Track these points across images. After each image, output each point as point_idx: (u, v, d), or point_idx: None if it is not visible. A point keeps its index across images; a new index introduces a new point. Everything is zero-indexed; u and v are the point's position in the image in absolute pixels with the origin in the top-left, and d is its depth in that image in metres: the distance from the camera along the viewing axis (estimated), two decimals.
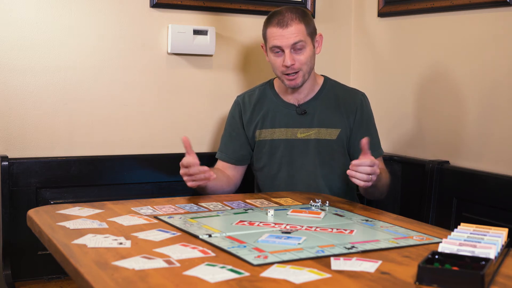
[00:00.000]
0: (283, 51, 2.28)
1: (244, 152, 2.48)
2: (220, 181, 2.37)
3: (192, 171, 2.12)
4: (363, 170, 2.02)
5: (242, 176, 2.50)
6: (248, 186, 2.58)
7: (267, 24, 2.33)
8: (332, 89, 2.46)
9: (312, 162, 2.40)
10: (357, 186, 2.31)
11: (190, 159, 2.12)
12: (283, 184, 2.42)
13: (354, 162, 2.04)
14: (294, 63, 2.28)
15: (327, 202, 2.09)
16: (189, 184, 2.16)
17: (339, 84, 2.51)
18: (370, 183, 2.05)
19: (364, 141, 2.06)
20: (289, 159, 2.41)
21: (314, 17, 2.97)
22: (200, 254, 1.47)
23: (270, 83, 2.51)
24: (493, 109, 2.42)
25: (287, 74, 2.30)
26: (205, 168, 2.14)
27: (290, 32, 2.26)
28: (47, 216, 1.85)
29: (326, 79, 2.49)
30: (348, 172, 2.04)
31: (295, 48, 2.28)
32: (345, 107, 2.42)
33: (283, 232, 1.69)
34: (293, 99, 2.44)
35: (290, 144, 2.41)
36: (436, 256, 1.37)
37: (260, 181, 2.49)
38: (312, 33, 2.33)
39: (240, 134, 2.48)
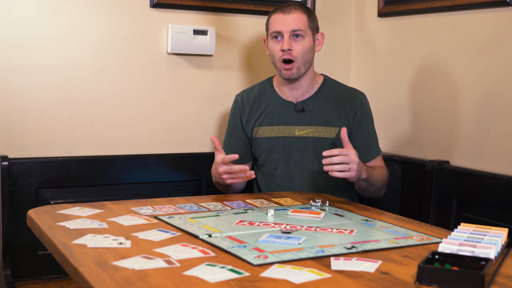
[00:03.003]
0: (282, 37, 2.31)
1: (245, 151, 2.48)
2: (237, 184, 2.41)
3: (234, 169, 2.17)
4: (337, 160, 2.03)
5: None
6: (248, 186, 2.58)
7: (271, 14, 2.39)
8: (331, 88, 2.47)
9: (310, 160, 2.40)
10: (352, 183, 2.31)
11: (231, 156, 2.17)
12: (281, 181, 2.42)
13: (324, 160, 2.05)
14: (291, 49, 2.30)
15: (327, 202, 2.09)
16: (228, 181, 2.20)
17: (338, 83, 2.51)
18: (353, 173, 2.06)
19: (343, 130, 2.10)
20: (287, 157, 2.41)
21: None
22: (200, 254, 1.47)
23: (269, 80, 2.52)
24: (493, 109, 2.42)
25: (284, 62, 2.31)
26: (246, 167, 2.19)
27: (291, 19, 2.31)
28: (47, 216, 1.85)
29: (326, 78, 2.49)
30: (325, 168, 2.05)
31: (294, 35, 2.31)
32: (344, 106, 2.42)
33: (283, 232, 1.69)
34: (291, 96, 2.44)
35: (288, 141, 2.41)
36: (436, 256, 1.37)
37: (259, 179, 2.49)
38: (313, 28, 2.37)
39: (239, 133, 2.49)
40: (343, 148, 2.10)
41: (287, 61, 2.32)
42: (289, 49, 2.30)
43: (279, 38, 2.33)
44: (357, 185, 2.27)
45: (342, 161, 2.04)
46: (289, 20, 2.31)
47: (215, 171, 2.26)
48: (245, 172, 2.17)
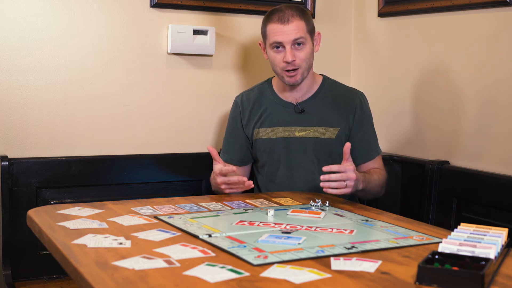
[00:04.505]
0: (283, 47, 2.29)
1: (245, 153, 2.49)
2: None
3: (232, 180, 2.20)
4: (335, 177, 2.04)
5: (249, 174, 2.54)
6: None
7: (267, 21, 2.34)
8: (330, 88, 2.46)
9: (310, 161, 2.40)
10: None
11: (228, 168, 2.20)
12: (282, 182, 2.42)
13: (322, 177, 2.05)
14: (295, 59, 2.28)
15: (327, 202, 2.09)
16: (227, 191, 2.24)
17: (337, 83, 2.51)
18: (349, 190, 2.07)
19: (346, 146, 2.10)
20: (288, 158, 2.41)
21: (314, 17, 2.97)
22: (200, 254, 1.47)
23: (268, 82, 2.51)
24: (493, 109, 2.42)
25: (287, 71, 2.31)
26: (244, 178, 2.21)
27: (291, 28, 2.27)
28: (47, 216, 1.85)
29: (325, 78, 2.49)
30: (321, 184, 2.06)
31: (296, 44, 2.29)
32: (344, 106, 2.42)
33: (283, 232, 1.69)
34: (291, 97, 2.44)
35: (288, 142, 2.41)
36: (436, 256, 1.37)
37: (259, 180, 2.50)
38: (311, 30, 2.34)
39: (240, 135, 2.49)
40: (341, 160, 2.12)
41: (291, 69, 2.31)
42: (293, 60, 2.28)
43: (280, 48, 2.31)
44: (358, 195, 2.28)
45: (339, 179, 2.05)
46: (289, 31, 2.27)
47: (213, 181, 2.29)
48: (243, 183, 2.20)
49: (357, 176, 2.09)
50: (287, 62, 2.28)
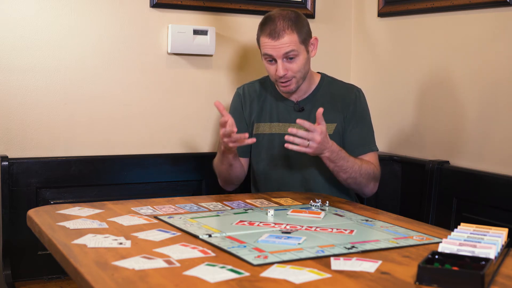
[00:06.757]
0: (275, 60, 2.28)
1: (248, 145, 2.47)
2: (240, 167, 2.41)
3: (228, 130, 2.13)
4: (301, 134, 2.07)
5: (247, 168, 2.51)
6: (248, 185, 2.58)
7: (260, 32, 2.32)
8: (328, 86, 2.46)
9: (308, 157, 2.39)
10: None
11: (227, 119, 2.13)
12: (280, 178, 2.42)
13: (290, 129, 2.08)
14: (287, 73, 2.28)
15: (327, 202, 2.09)
16: (231, 144, 2.19)
17: (335, 80, 2.50)
18: (310, 150, 2.10)
19: (319, 110, 2.10)
20: (286, 154, 2.41)
21: (314, 17, 2.97)
22: (200, 254, 1.47)
23: (270, 77, 2.49)
24: (493, 109, 2.42)
25: (281, 82, 2.31)
26: (245, 134, 2.15)
27: (282, 43, 2.25)
28: (47, 216, 1.85)
29: (323, 76, 2.48)
30: (286, 137, 2.08)
31: (288, 57, 2.27)
32: (340, 103, 2.42)
33: (283, 232, 1.69)
34: (290, 97, 2.44)
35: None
36: (436, 256, 1.37)
37: (257, 176, 2.48)
38: (305, 39, 2.31)
39: (242, 126, 2.47)
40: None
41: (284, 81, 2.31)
42: (285, 74, 2.27)
43: (272, 61, 2.29)
44: (330, 168, 2.26)
45: (304, 137, 2.08)
46: (279, 45, 2.25)
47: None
48: (243, 141, 2.15)
49: (324, 141, 2.10)
50: (280, 76, 2.28)
